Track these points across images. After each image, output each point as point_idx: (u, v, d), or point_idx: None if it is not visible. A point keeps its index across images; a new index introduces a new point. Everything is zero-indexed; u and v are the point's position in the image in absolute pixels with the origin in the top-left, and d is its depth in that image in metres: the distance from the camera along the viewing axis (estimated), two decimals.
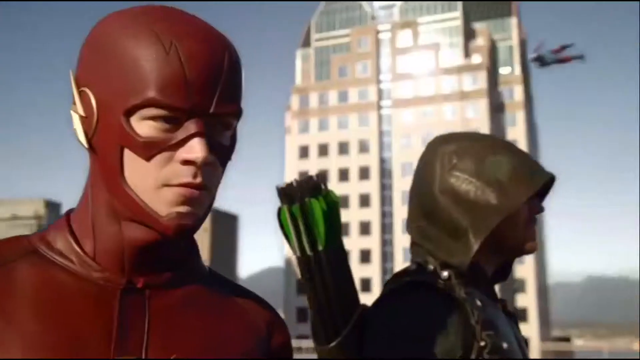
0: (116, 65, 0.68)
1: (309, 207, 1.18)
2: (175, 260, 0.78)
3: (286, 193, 1.19)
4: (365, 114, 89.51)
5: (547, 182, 1.34)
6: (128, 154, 0.69)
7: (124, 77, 0.68)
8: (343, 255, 1.22)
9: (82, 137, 0.71)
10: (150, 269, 0.75)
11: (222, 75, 0.70)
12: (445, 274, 1.22)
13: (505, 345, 1.16)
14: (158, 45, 0.67)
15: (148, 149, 0.68)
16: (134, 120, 0.68)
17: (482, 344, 1.14)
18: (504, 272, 1.39)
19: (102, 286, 0.72)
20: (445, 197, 1.26)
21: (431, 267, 1.25)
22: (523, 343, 1.29)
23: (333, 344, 1.16)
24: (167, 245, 0.75)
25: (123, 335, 0.69)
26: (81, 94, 0.71)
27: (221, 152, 0.72)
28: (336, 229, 1.21)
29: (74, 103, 0.72)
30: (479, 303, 1.19)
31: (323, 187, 1.22)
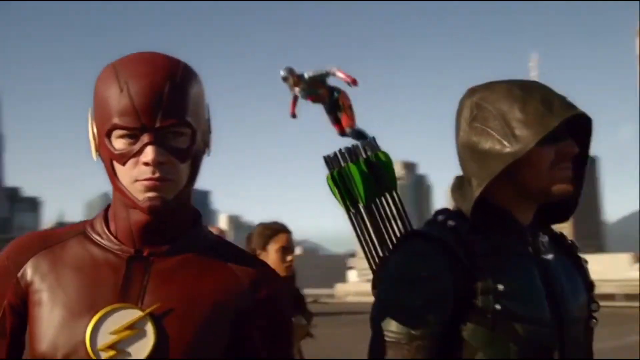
0: (98, 103, 1.05)
1: (347, 171, 1.44)
2: (176, 233, 1.11)
3: (329, 161, 1.47)
4: None
5: (583, 120, 1.30)
6: (115, 163, 1.04)
7: (101, 111, 1.04)
8: (387, 208, 1.43)
9: (94, 154, 1.09)
10: (154, 242, 1.08)
11: (164, 99, 1.01)
12: (450, 222, 1.28)
13: (501, 287, 1.20)
14: (115, 85, 1.02)
15: (121, 158, 1.03)
16: (113, 139, 1.04)
17: (474, 285, 1.20)
18: (563, 213, 1.39)
19: (119, 255, 1.08)
20: (464, 149, 1.31)
21: (441, 217, 1.32)
22: (567, 286, 1.31)
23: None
24: (166, 223, 1.08)
25: (125, 289, 1.04)
26: (92, 124, 1.08)
27: (177, 153, 1.04)
28: (381, 186, 1.44)
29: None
30: (482, 248, 1.24)
31: (368, 150, 1.48)
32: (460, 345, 1.22)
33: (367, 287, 1.89)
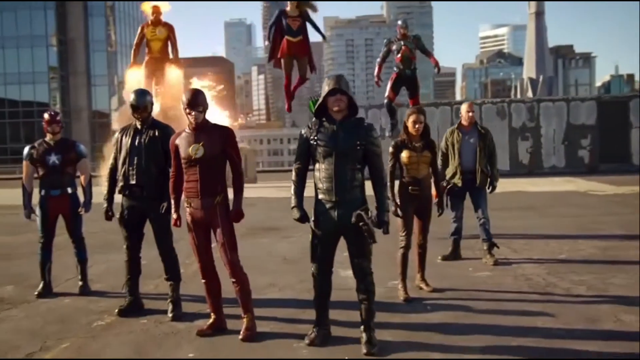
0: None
1: (310, 105, 4.80)
2: (204, 126, 4.86)
3: (310, 99, 4.90)
4: None
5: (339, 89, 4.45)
6: (186, 115, 4.88)
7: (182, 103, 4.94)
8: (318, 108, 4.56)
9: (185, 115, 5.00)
10: (199, 129, 4.82)
11: (195, 100, 4.80)
12: (314, 120, 4.56)
13: (316, 136, 4.48)
14: (184, 98, 4.85)
15: (187, 114, 4.83)
16: (187, 109, 4.80)
17: (312, 142, 4.48)
18: (352, 112, 4.53)
19: (191, 133, 4.86)
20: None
21: (314, 119, 4.58)
22: (345, 136, 4.43)
23: None
24: (201, 124, 4.83)
25: (195, 139, 4.79)
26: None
27: (200, 112, 4.79)
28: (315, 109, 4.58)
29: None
30: (318, 127, 4.50)
31: (316, 98, 4.66)
32: (313, 156, 4.47)
33: None
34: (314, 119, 4.59)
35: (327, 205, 4.45)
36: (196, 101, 4.80)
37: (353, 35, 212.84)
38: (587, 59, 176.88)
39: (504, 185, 18.23)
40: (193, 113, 4.79)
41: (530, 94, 72.75)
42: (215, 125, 4.95)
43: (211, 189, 4.80)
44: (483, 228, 7.48)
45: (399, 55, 10.75)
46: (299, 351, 4.52)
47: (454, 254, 7.62)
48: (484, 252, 7.43)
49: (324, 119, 4.53)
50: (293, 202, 4.59)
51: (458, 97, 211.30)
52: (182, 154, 4.84)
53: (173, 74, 11.87)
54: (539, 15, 78.43)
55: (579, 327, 4.83)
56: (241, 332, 4.79)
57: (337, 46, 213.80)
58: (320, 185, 4.48)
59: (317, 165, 4.50)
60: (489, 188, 7.59)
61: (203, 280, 4.97)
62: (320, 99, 4.51)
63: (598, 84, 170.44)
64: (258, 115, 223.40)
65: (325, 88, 4.48)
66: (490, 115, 25.64)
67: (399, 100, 12.30)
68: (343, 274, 5.92)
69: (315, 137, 4.48)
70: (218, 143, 4.81)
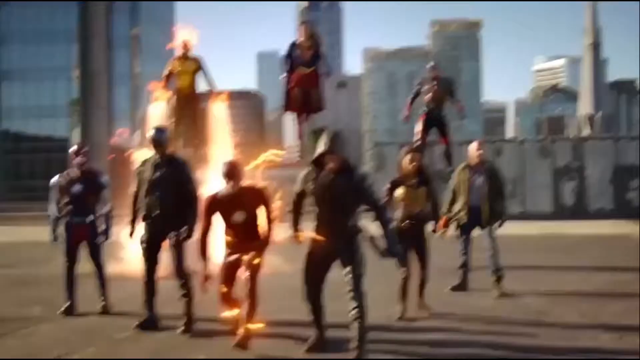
0: None
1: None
2: (241, 189, 5.97)
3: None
4: None
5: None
6: None
7: None
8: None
9: None
10: (239, 194, 6.00)
11: (231, 172, 5.88)
12: (310, 169, 5.53)
13: (312, 183, 5.45)
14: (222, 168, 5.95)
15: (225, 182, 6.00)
16: (225, 179, 5.95)
17: (309, 186, 5.47)
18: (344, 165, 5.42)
19: (231, 196, 5.97)
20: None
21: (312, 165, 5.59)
22: (339, 185, 5.37)
23: None
24: (238, 189, 5.99)
25: (238, 207, 6.01)
26: None
27: (237, 182, 5.97)
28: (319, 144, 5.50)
29: None
30: (315, 174, 5.43)
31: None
32: (312, 199, 5.46)
33: None
34: (311, 167, 5.51)
35: (323, 240, 5.43)
36: (232, 173, 5.87)
37: (395, 67, 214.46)
38: None
39: (547, 227, 19.17)
40: (231, 182, 5.86)
41: (587, 131, 73.79)
42: (252, 188, 6.10)
43: (247, 244, 5.95)
44: (491, 261, 8.42)
45: (429, 95, 11.95)
46: (296, 353, 5.54)
47: (463, 285, 8.57)
48: (493, 283, 8.36)
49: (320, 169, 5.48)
50: (291, 228, 5.76)
51: (510, 134, 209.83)
52: (224, 216, 5.94)
53: (217, 111, 11.32)
54: (596, 47, 79.32)
55: (555, 344, 5.77)
56: (237, 339, 5.77)
57: (378, 79, 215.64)
58: (317, 224, 5.48)
59: (314, 207, 5.48)
60: (496, 223, 8.54)
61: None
62: (316, 155, 5.44)
63: None
64: (290, 152, 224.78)
65: (322, 146, 5.40)
66: (532, 153, 26.53)
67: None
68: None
69: (313, 186, 5.44)
70: (255, 206, 5.99)
